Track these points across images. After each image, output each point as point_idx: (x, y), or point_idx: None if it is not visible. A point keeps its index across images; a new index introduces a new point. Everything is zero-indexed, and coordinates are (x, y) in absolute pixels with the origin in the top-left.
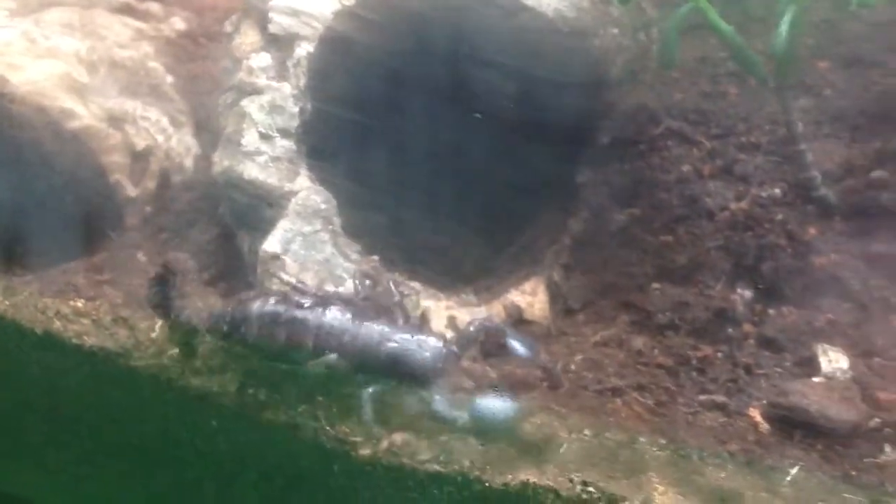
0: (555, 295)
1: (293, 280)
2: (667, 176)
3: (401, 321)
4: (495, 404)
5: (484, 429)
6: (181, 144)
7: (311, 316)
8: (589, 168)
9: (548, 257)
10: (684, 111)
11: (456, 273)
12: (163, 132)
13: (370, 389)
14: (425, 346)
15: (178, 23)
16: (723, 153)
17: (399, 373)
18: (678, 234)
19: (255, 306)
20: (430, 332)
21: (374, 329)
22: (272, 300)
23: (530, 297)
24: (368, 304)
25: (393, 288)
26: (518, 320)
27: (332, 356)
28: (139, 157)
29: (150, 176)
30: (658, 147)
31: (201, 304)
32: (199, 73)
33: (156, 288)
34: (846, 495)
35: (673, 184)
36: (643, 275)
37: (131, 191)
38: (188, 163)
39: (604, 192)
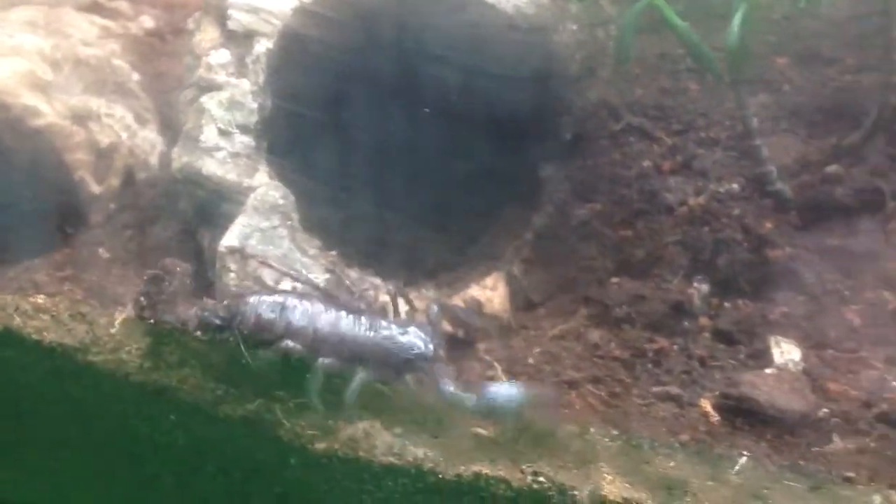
0: (515, 289)
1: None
2: (627, 171)
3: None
4: (504, 389)
5: (493, 412)
6: (146, 142)
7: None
8: (551, 163)
9: (509, 252)
10: (645, 107)
11: (416, 268)
12: (127, 129)
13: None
14: (419, 337)
15: (147, 21)
16: (682, 149)
17: (395, 364)
18: (637, 228)
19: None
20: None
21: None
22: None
23: (490, 292)
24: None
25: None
26: (478, 314)
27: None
28: (103, 155)
29: (114, 173)
30: (619, 143)
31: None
32: (165, 71)
33: (146, 290)
34: (787, 482)
35: (633, 179)
36: (603, 269)
37: (95, 188)
38: (153, 160)
39: (566, 188)
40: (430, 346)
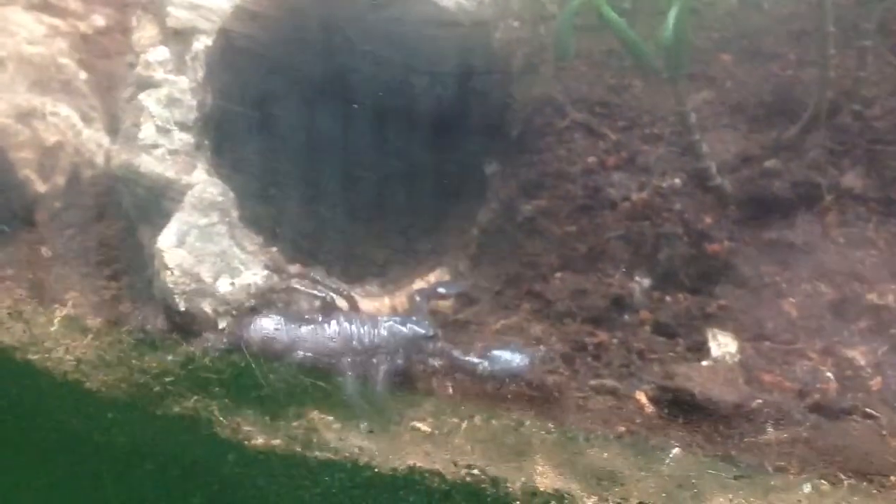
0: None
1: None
2: (572, 167)
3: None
4: (508, 353)
5: (501, 374)
6: (92, 140)
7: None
8: (497, 160)
9: (454, 248)
10: (590, 104)
11: (360, 264)
12: (73, 128)
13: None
14: (416, 323)
15: (98, 19)
16: (626, 145)
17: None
18: (581, 224)
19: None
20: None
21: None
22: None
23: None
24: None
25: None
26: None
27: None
28: (49, 153)
29: (59, 172)
30: (564, 139)
31: None
32: (113, 69)
33: None
34: (715, 472)
35: (578, 175)
36: (547, 264)
37: (41, 186)
38: (99, 158)
39: (511, 184)
40: (430, 327)
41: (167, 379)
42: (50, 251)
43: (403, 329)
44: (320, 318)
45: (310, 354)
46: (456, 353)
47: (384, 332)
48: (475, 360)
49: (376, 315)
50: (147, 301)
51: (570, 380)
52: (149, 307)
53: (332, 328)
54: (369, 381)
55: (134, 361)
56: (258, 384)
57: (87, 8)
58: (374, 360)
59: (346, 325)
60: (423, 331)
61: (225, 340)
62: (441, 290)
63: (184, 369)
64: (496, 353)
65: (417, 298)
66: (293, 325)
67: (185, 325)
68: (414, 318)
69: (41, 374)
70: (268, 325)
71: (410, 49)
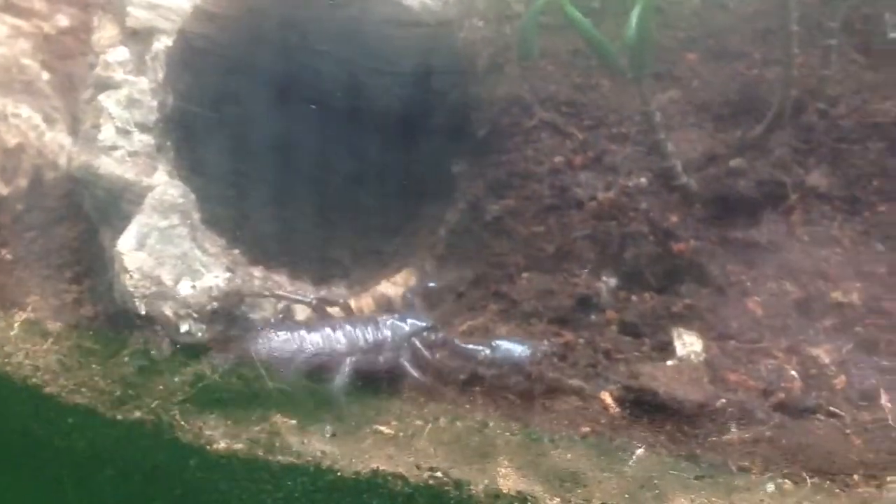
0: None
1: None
2: (539, 167)
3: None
4: (510, 343)
5: (501, 362)
6: (54, 142)
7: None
8: (464, 160)
9: (421, 249)
10: (557, 103)
11: (326, 266)
12: (35, 129)
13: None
14: (414, 317)
15: (62, 19)
16: (593, 144)
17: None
18: (549, 224)
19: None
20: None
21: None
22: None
23: (402, 289)
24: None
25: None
26: (388, 311)
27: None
28: (11, 155)
29: (21, 174)
30: (532, 139)
31: None
32: (77, 70)
33: None
34: (678, 473)
35: (545, 175)
36: (514, 264)
37: (2, 189)
38: (62, 160)
39: (479, 184)
40: (428, 320)
41: (128, 383)
42: (10, 254)
43: (404, 325)
44: (323, 325)
45: (320, 359)
46: (458, 341)
47: (387, 331)
48: (478, 347)
49: (375, 315)
50: (108, 304)
51: (536, 380)
52: (110, 310)
53: (338, 333)
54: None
55: (94, 366)
56: (219, 388)
57: (52, 8)
58: (381, 359)
59: (349, 328)
60: (423, 324)
61: (232, 356)
62: (431, 284)
63: (145, 374)
64: (499, 342)
65: (409, 295)
66: (300, 334)
67: (146, 329)
68: (411, 314)
69: (0, 379)
70: (276, 336)
71: (372, 49)
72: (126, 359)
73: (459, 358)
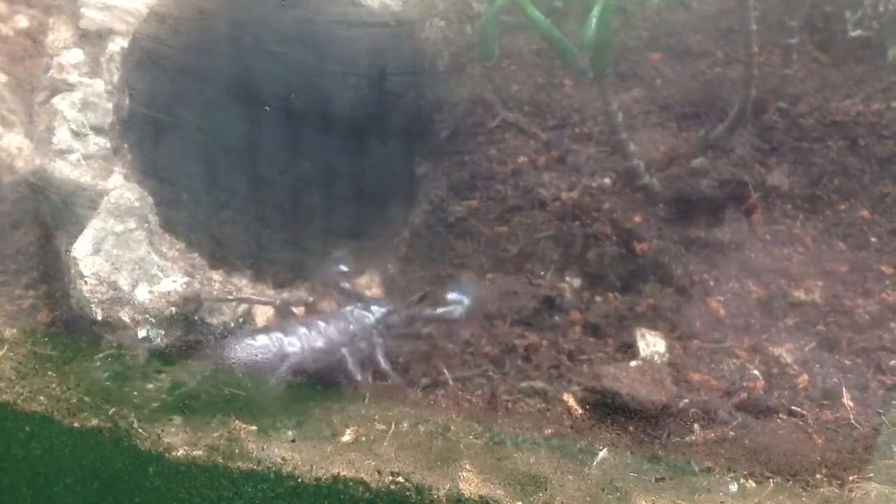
0: (390, 288)
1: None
2: (503, 167)
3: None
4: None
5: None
6: (11, 145)
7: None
8: (428, 160)
9: (385, 250)
10: (520, 103)
11: (288, 268)
12: None
13: None
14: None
15: (22, 21)
16: (557, 144)
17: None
18: (512, 224)
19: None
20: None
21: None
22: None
23: (366, 291)
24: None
25: None
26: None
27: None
28: None
29: None
30: (495, 139)
31: None
32: (35, 72)
33: None
34: (639, 475)
35: (509, 175)
36: (477, 266)
37: None
38: (19, 163)
39: (442, 184)
40: (387, 303)
41: (84, 390)
42: None
43: (369, 313)
44: (296, 325)
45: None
46: (427, 310)
47: (355, 320)
48: (449, 308)
49: (337, 309)
50: (65, 310)
51: (500, 383)
52: (67, 316)
53: (313, 331)
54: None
55: (51, 373)
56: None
57: (11, 9)
58: (362, 346)
59: (322, 324)
60: (385, 308)
61: (211, 364)
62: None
63: (105, 381)
64: (451, 295)
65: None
66: (276, 336)
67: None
68: (371, 301)
69: None
70: (255, 341)
71: (328, 50)
72: (82, 365)
73: (441, 323)
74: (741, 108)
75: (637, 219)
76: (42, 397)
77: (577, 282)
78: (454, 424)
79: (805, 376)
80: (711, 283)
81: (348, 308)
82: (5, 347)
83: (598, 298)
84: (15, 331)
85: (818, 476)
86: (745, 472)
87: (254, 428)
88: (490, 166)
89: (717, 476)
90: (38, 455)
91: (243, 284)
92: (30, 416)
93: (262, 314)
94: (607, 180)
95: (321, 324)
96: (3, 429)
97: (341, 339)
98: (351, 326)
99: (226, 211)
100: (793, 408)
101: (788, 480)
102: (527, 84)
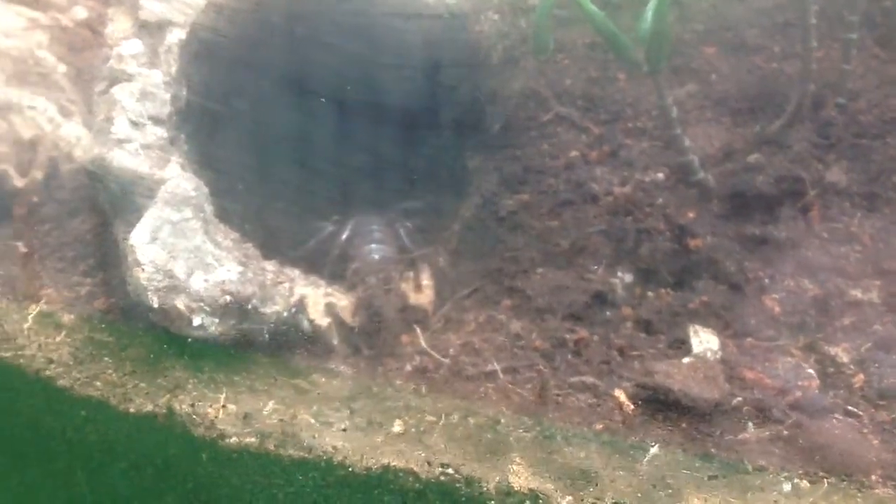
0: (441, 281)
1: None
2: (555, 162)
3: None
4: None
5: None
6: (70, 134)
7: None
8: (480, 154)
9: (436, 243)
10: (573, 97)
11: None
12: (51, 122)
13: None
14: None
15: (81, 12)
16: (609, 139)
17: None
18: (564, 218)
19: None
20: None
21: None
22: None
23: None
24: None
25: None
26: (402, 307)
27: None
28: (26, 147)
29: (37, 166)
30: (547, 133)
31: None
32: (94, 62)
33: None
34: (692, 472)
35: (561, 169)
36: (528, 259)
37: (18, 181)
38: (78, 152)
39: (494, 178)
40: None
41: (140, 376)
42: (25, 247)
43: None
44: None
45: None
46: None
47: None
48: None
49: None
50: (122, 297)
51: (550, 377)
52: (123, 303)
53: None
54: None
55: (107, 359)
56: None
57: (71, 0)
58: None
59: None
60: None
61: None
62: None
63: (156, 366)
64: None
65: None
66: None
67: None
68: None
69: (13, 371)
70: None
71: (384, 42)
72: (138, 351)
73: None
74: (798, 103)
75: (691, 215)
76: (98, 382)
77: (628, 277)
78: (504, 417)
79: (861, 376)
80: (766, 280)
81: None
82: (63, 333)
83: (650, 294)
84: (73, 317)
85: (873, 477)
86: (799, 472)
87: (307, 416)
88: (542, 160)
89: (771, 475)
90: (93, 439)
91: (296, 275)
92: (86, 401)
93: (314, 303)
94: (660, 175)
95: None
96: (60, 413)
97: None
98: None
99: (279, 201)
100: (848, 407)
101: (843, 481)
102: (580, 78)
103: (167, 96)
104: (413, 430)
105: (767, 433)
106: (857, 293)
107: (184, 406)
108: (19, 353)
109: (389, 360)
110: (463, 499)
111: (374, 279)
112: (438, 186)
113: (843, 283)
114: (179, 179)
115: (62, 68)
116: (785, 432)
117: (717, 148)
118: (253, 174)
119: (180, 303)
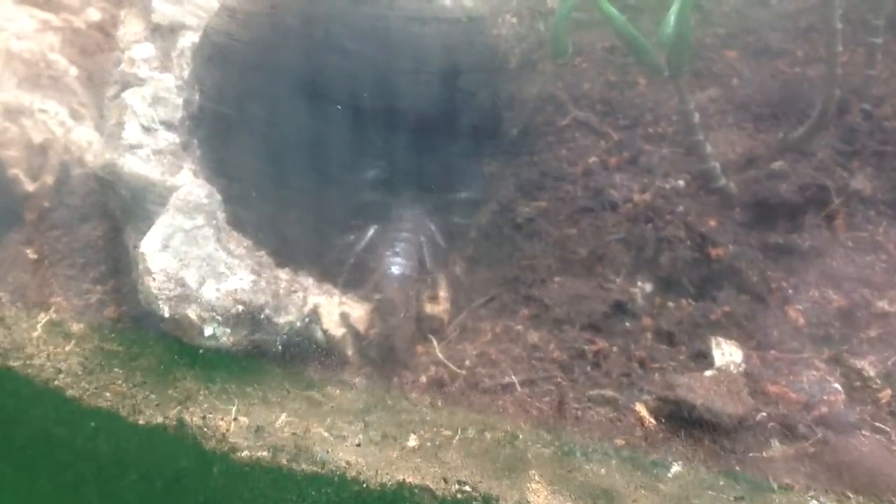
0: (457, 289)
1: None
2: (573, 168)
3: None
4: None
5: None
6: (82, 138)
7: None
8: (496, 160)
9: (451, 251)
10: (592, 102)
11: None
12: (62, 125)
13: None
14: None
15: (94, 14)
16: (629, 144)
17: None
18: (582, 226)
19: None
20: None
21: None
22: None
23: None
24: None
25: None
26: (417, 317)
27: None
28: (37, 151)
29: (48, 170)
30: (565, 138)
31: None
32: (106, 65)
33: None
34: (715, 492)
35: (579, 175)
36: (546, 268)
37: (29, 185)
38: (89, 157)
39: (511, 185)
40: None
41: (150, 387)
42: (35, 253)
43: None
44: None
45: None
46: None
47: None
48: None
49: None
50: (132, 306)
51: (568, 390)
52: (134, 312)
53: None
54: None
55: (117, 369)
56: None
57: (83, 2)
58: None
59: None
60: None
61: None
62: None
63: (166, 376)
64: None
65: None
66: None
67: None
68: None
69: (22, 381)
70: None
71: (401, 46)
72: (149, 361)
73: None
74: (823, 109)
75: (712, 223)
76: (108, 393)
77: (648, 286)
78: (521, 432)
79: (888, 391)
80: (790, 290)
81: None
82: (72, 342)
83: (670, 304)
84: (82, 325)
85: None
86: (826, 490)
87: (320, 429)
88: (560, 166)
89: (797, 494)
90: (102, 451)
91: (310, 284)
92: (95, 412)
93: (328, 313)
94: (681, 182)
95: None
96: (69, 424)
97: None
98: None
99: (293, 209)
100: (876, 423)
101: (871, 500)
102: (599, 82)
103: (179, 101)
104: (429, 444)
105: (793, 450)
106: (883, 304)
107: (195, 418)
108: (28, 362)
109: (404, 372)
110: None
111: (391, 291)
112: (455, 192)
113: (869, 293)
114: (192, 186)
115: (74, 71)
116: (811, 449)
117: (740, 154)
118: (267, 181)
119: (192, 312)
